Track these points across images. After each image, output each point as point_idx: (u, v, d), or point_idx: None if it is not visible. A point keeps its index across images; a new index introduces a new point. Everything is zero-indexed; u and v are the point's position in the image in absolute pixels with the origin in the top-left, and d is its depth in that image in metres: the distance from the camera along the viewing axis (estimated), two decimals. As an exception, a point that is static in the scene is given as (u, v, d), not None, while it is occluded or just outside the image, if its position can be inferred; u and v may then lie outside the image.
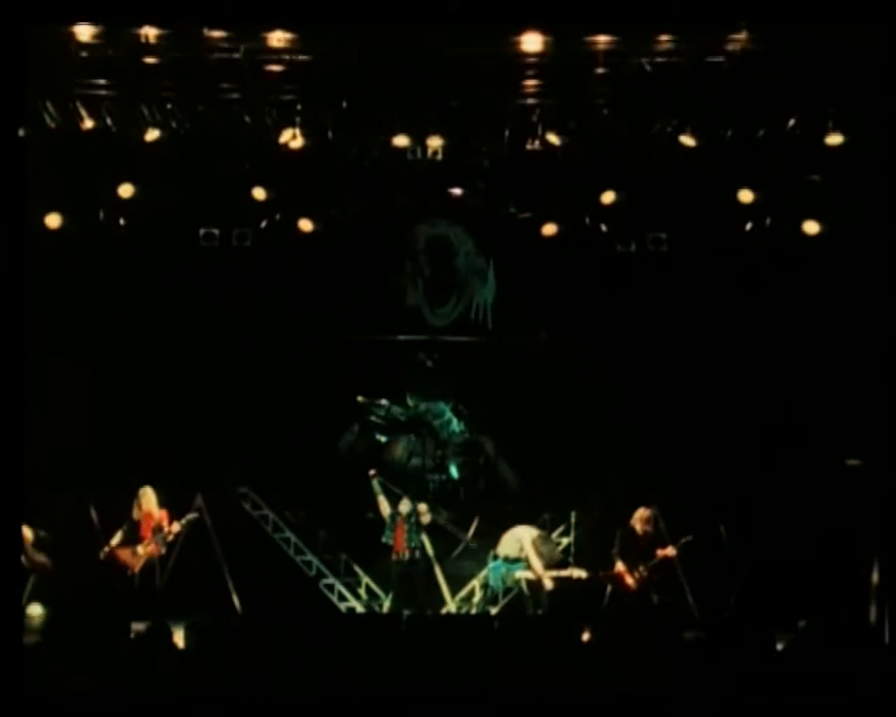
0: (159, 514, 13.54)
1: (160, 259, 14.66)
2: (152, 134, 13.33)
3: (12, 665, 8.36)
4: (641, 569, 13.17)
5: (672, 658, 10.89)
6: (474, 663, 10.83)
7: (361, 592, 14.86)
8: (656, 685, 10.34)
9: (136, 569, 13.42)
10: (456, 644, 11.36)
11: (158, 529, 13.48)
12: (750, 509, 14.23)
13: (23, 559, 12.52)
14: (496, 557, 14.09)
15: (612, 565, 13.32)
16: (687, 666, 10.71)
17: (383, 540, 14.01)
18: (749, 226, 14.28)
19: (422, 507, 14.05)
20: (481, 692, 10.46)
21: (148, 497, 13.52)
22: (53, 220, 13.90)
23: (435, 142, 13.72)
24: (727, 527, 13.80)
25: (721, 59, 12.35)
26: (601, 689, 10.50)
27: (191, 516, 13.87)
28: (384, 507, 14.06)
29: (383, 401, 15.50)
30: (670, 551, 13.30)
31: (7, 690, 8.28)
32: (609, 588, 13.41)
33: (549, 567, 13.86)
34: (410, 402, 15.55)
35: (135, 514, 13.50)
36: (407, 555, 13.90)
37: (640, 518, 13.32)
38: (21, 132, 9.05)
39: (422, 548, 14.07)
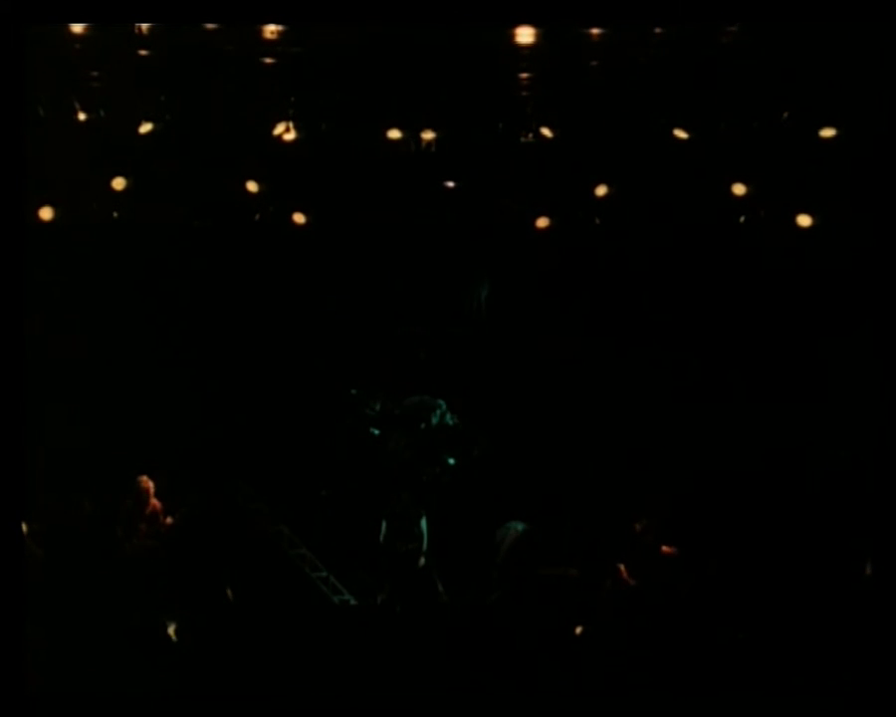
0: (154, 505, 13.51)
1: (154, 252, 14.67)
2: (145, 127, 13.37)
3: (13, 662, 8.35)
4: (640, 565, 13.12)
5: (669, 654, 10.99)
6: (468, 655, 10.89)
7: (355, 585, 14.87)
8: (651, 679, 10.44)
9: (130, 560, 13.40)
10: (450, 636, 11.42)
11: (153, 520, 13.46)
12: (743, 507, 14.27)
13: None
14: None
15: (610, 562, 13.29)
16: (684, 661, 10.81)
17: (380, 538, 14.07)
18: (742, 219, 14.34)
19: None
20: (475, 684, 10.52)
21: (144, 487, 13.49)
22: (46, 212, 13.93)
23: (428, 135, 13.76)
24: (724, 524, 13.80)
25: (714, 52, 12.43)
26: (596, 681, 10.60)
27: (185, 509, 13.87)
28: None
29: (377, 394, 15.52)
30: (670, 548, 13.27)
31: (7, 687, 8.28)
32: (607, 584, 13.38)
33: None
34: (404, 395, 15.56)
35: (130, 505, 13.48)
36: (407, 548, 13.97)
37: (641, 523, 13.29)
38: (20, 126, 9.04)
39: (422, 540, 14.13)
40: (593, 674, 11.04)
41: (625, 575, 12.94)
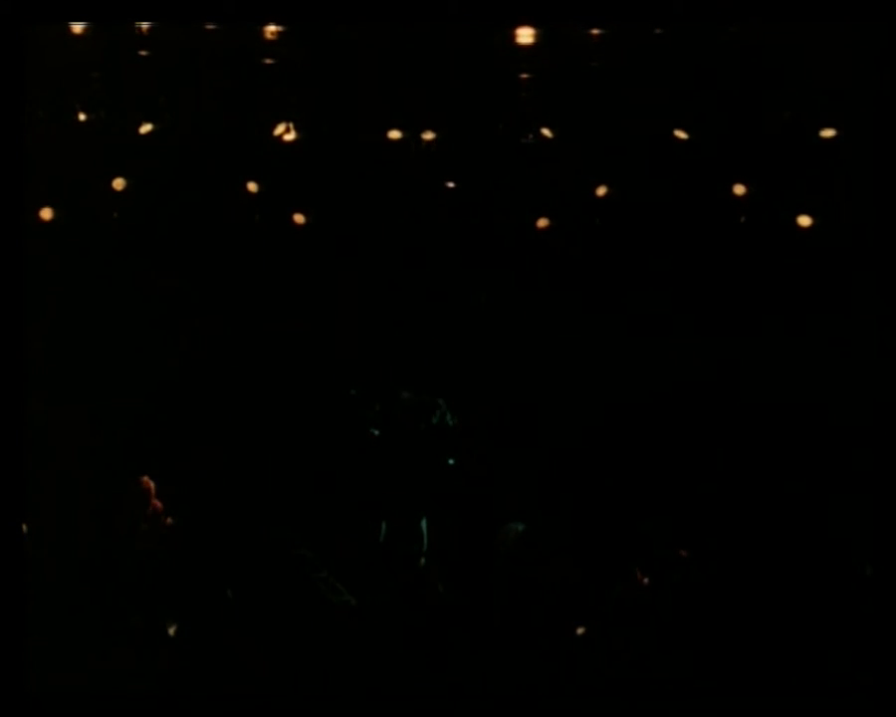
0: (154, 506, 13.52)
1: (155, 252, 14.68)
2: (145, 127, 13.40)
3: (13, 662, 8.36)
4: (647, 567, 13.09)
5: (676, 653, 11.00)
6: (468, 655, 10.89)
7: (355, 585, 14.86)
8: (659, 681, 10.45)
9: (130, 560, 13.41)
10: (451, 637, 11.43)
11: (153, 519, 13.46)
12: (745, 508, 14.27)
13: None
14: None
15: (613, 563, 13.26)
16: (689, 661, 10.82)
17: (380, 538, 14.08)
18: (742, 219, 14.34)
19: None
20: (475, 684, 10.53)
21: (145, 488, 13.49)
22: (47, 212, 13.93)
23: (429, 135, 13.78)
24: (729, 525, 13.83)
25: (714, 52, 12.45)
26: (601, 683, 10.60)
27: (186, 509, 13.87)
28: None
29: (377, 394, 15.52)
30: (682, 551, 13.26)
31: (7, 687, 8.29)
32: (617, 586, 13.36)
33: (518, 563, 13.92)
34: (404, 394, 15.56)
35: (130, 504, 13.48)
36: (407, 549, 13.98)
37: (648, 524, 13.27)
38: (20, 127, 9.07)
39: (422, 541, 14.15)
40: (595, 675, 11.04)
41: (639, 577, 12.94)
